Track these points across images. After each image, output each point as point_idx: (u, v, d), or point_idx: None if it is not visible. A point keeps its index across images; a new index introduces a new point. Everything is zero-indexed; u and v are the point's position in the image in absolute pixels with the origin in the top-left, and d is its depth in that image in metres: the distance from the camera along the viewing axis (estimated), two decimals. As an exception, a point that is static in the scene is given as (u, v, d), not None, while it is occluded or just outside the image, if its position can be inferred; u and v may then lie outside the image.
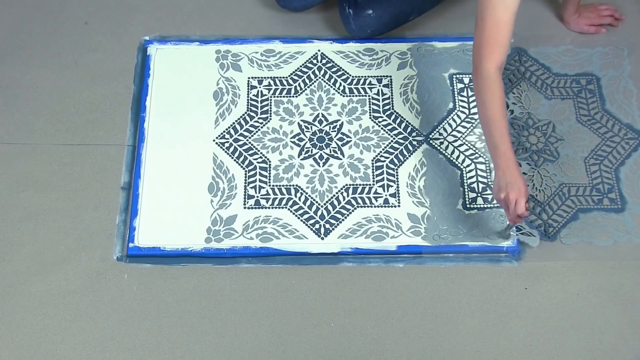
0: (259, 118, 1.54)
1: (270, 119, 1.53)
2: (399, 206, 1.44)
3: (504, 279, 1.37)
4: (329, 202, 1.44)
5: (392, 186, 1.46)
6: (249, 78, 1.58)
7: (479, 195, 1.44)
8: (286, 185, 1.46)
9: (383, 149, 1.49)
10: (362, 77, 1.57)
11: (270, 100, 1.56)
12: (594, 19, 1.62)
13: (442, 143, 1.50)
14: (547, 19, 1.65)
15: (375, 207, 1.44)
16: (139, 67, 1.60)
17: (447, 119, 1.52)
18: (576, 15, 1.61)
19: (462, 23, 1.64)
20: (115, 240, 1.41)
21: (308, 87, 1.57)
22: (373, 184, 1.46)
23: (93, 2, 1.70)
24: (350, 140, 1.51)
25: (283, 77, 1.58)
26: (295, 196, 1.45)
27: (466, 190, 1.44)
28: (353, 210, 1.43)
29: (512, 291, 1.36)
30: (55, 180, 1.48)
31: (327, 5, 1.67)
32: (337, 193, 1.45)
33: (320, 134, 1.51)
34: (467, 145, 1.49)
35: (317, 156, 1.49)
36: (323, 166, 1.48)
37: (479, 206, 1.42)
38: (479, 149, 1.49)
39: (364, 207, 1.44)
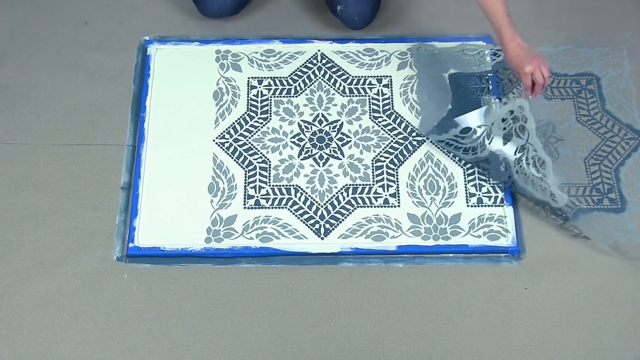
0: (259, 118, 1.54)
1: (270, 119, 1.53)
2: (398, 206, 1.44)
3: (504, 279, 1.37)
4: (329, 202, 1.44)
5: (392, 186, 1.46)
6: (249, 78, 1.58)
7: (478, 194, 1.44)
8: (286, 185, 1.46)
9: (383, 149, 1.49)
10: (362, 77, 1.57)
11: (270, 100, 1.56)
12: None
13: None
14: (544, 18, 1.66)
15: (375, 207, 1.44)
16: (138, 67, 1.60)
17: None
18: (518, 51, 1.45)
19: (462, 23, 1.64)
20: (115, 240, 1.41)
21: (308, 87, 1.57)
22: (373, 184, 1.46)
23: (93, 2, 1.70)
24: (350, 140, 1.51)
25: (283, 77, 1.58)
26: (295, 196, 1.45)
27: (467, 189, 1.44)
28: (353, 210, 1.43)
29: (512, 291, 1.36)
30: (55, 180, 1.48)
31: (326, 5, 1.67)
32: (337, 193, 1.45)
33: (320, 134, 1.52)
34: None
35: (317, 156, 1.49)
36: (323, 166, 1.48)
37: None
38: None
39: (364, 207, 1.44)
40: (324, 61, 1.60)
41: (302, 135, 1.51)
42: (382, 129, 1.52)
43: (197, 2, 1.60)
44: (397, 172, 1.47)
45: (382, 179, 1.46)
